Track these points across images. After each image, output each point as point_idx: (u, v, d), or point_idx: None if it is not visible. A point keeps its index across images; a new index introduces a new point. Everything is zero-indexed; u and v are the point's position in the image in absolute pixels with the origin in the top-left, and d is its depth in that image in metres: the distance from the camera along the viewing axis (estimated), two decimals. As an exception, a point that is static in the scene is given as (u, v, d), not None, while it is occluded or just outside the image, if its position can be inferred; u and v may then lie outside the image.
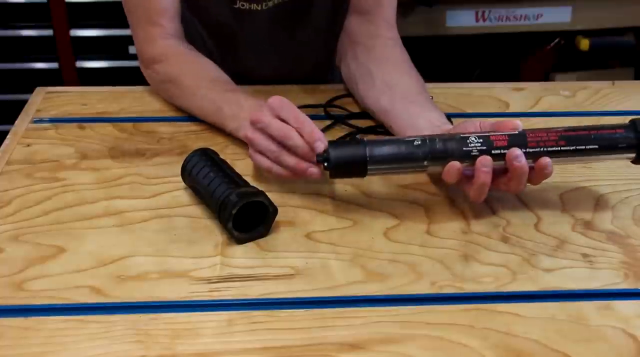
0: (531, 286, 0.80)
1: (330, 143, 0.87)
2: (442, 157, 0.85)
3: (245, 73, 1.12)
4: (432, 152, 0.85)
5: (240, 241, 0.85)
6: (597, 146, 0.86)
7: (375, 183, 0.96)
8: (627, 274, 0.81)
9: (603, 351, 0.71)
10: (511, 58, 2.34)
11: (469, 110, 1.16)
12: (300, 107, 1.12)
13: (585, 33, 2.25)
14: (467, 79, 1.31)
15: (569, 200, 0.94)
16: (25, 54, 2.31)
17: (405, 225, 0.89)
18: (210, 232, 0.87)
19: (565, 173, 0.95)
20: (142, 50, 1.16)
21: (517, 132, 0.86)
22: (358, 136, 0.86)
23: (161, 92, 1.16)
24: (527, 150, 0.85)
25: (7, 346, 0.71)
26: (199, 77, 1.09)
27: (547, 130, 0.86)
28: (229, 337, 0.72)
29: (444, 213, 0.91)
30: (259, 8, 1.14)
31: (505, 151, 0.85)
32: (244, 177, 0.90)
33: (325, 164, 0.86)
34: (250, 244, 0.85)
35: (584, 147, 0.86)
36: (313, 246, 0.85)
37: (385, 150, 0.86)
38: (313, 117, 0.96)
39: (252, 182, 0.89)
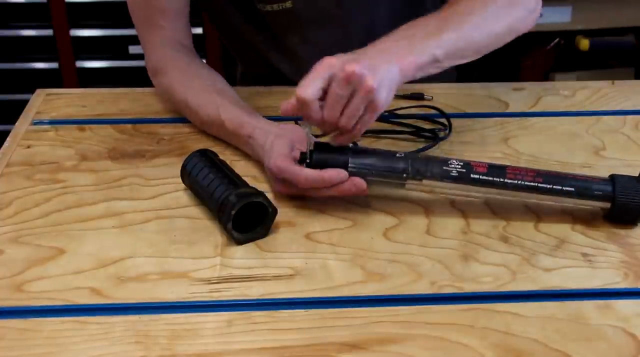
0: (531, 285, 0.80)
1: (317, 145, 0.88)
2: (422, 173, 0.87)
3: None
4: (413, 167, 0.87)
5: (240, 242, 0.85)
6: (573, 189, 0.87)
7: (375, 183, 0.96)
8: (627, 273, 0.81)
9: (603, 350, 0.71)
10: (511, 58, 2.33)
11: (469, 110, 1.16)
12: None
13: (585, 33, 2.25)
14: (467, 79, 1.31)
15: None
16: (25, 54, 2.32)
17: (405, 225, 0.89)
18: (210, 233, 0.87)
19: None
20: (145, 58, 1.15)
21: (497, 164, 0.88)
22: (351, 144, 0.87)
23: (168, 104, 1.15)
24: (505, 180, 0.87)
25: (6, 347, 0.71)
26: (192, 89, 1.07)
27: (527, 168, 0.89)
28: (228, 337, 0.72)
29: (444, 213, 0.91)
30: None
31: (485, 178, 0.87)
32: (243, 177, 0.90)
33: (308, 161, 0.87)
34: (250, 245, 0.85)
35: (560, 187, 0.87)
36: (313, 246, 0.85)
37: (368, 160, 0.87)
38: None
39: (252, 183, 0.89)
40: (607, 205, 0.88)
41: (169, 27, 1.12)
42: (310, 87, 0.83)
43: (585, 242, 0.86)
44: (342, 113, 0.83)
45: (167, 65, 1.11)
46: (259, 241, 0.86)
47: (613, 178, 0.88)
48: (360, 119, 0.84)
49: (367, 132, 1.07)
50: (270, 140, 0.93)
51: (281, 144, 0.91)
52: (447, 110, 1.13)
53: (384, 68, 0.85)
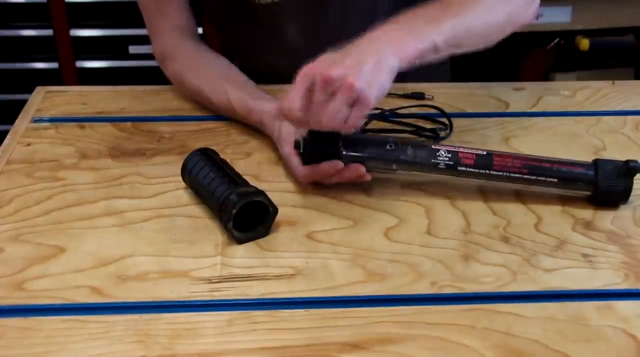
0: (531, 286, 0.79)
1: (310, 134, 0.90)
2: (411, 165, 0.91)
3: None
4: (402, 159, 0.91)
5: (240, 241, 0.85)
6: (556, 180, 0.91)
7: (375, 183, 0.95)
8: (628, 274, 0.81)
9: (603, 351, 0.71)
10: (511, 58, 2.34)
11: (469, 110, 1.16)
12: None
13: (585, 33, 2.25)
14: (467, 79, 1.30)
15: (569, 200, 0.93)
16: (25, 54, 2.31)
17: (405, 225, 0.89)
18: (211, 232, 0.87)
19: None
20: (153, 44, 1.18)
21: (484, 152, 0.91)
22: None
23: (177, 89, 1.18)
24: (491, 172, 0.90)
25: (6, 346, 0.71)
26: (203, 76, 1.11)
27: (514, 156, 0.91)
28: (229, 337, 0.72)
29: (444, 213, 0.91)
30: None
31: (471, 169, 0.90)
32: (244, 176, 0.90)
33: (301, 151, 0.91)
34: (250, 244, 0.85)
35: (544, 178, 0.91)
36: (313, 245, 0.85)
37: (359, 151, 0.91)
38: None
39: (253, 182, 0.89)
40: (591, 190, 0.91)
41: (174, 14, 1.16)
42: (294, 100, 0.84)
43: (585, 242, 0.86)
44: (324, 114, 0.83)
45: (175, 52, 1.15)
46: (259, 240, 0.86)
47: (596, 163, 0.91)
48: (349, 115, 0.83)
49: (367, 131, 1.08)
50: (277, 126, 0.98)
51: (287, 130, 0.96)
52: (448, 109, 1.13)
53: (373, 59, 0.84)
